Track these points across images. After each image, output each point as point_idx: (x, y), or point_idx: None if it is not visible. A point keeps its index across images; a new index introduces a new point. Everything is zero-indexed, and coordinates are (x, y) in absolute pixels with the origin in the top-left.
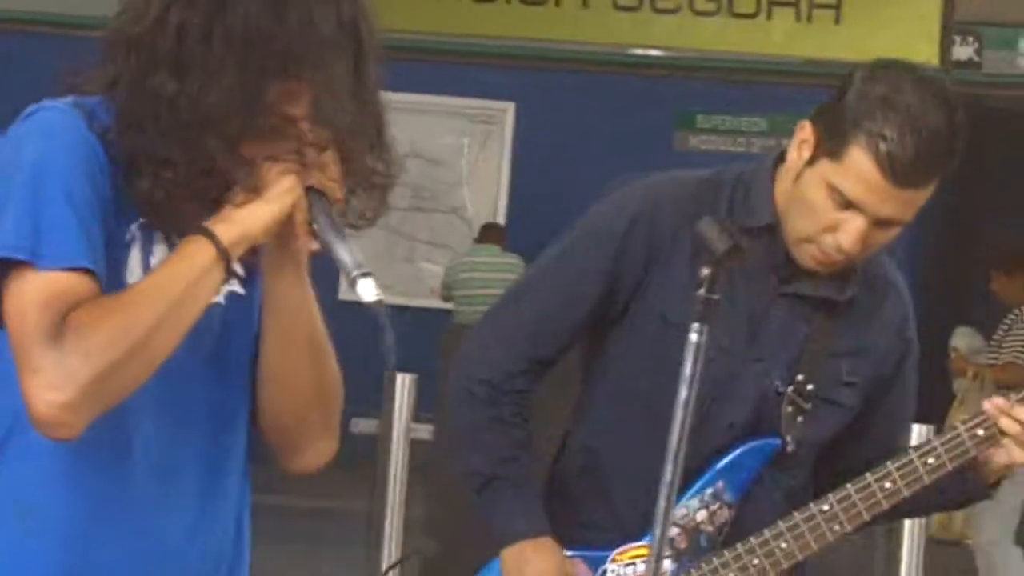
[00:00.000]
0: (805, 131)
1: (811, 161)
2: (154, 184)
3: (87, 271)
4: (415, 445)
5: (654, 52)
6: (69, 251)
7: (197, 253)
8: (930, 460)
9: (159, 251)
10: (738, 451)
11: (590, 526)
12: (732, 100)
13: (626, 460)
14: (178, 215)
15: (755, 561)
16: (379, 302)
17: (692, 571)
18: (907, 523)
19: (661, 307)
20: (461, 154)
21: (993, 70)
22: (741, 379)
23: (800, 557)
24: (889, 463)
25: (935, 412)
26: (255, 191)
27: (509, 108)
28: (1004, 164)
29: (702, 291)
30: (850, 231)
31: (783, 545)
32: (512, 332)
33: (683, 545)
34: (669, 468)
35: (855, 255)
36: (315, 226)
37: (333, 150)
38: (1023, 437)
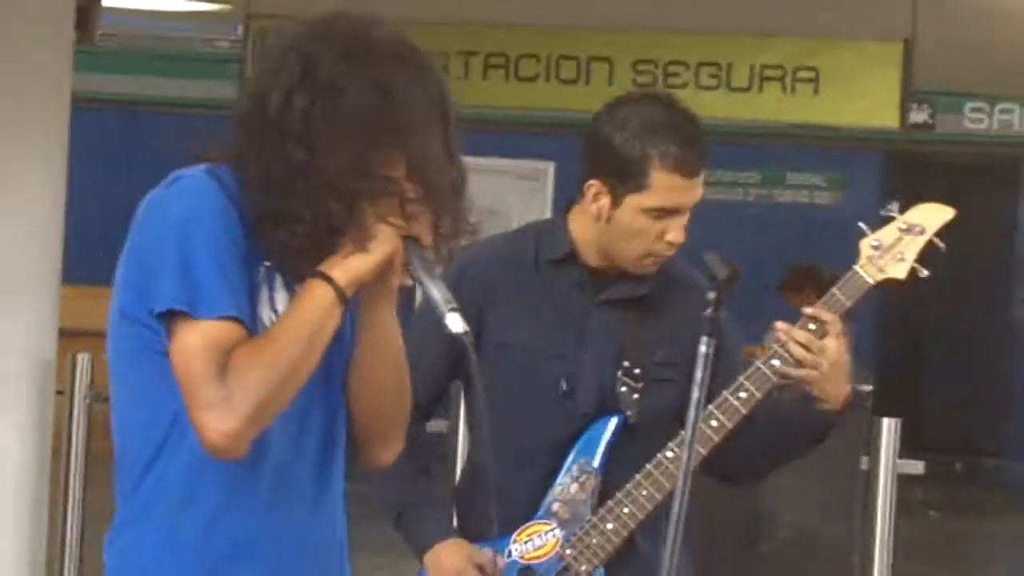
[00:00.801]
0: (595, 187)
1: (615, 204)
2: (291, 236)
3: (236, 319)
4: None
5: None
6: (220, 303)
7: (321, 296)
8: (741, 394)
9: (279, 291)
10: (589, 430)
11: (491, 522)
12: (730, 158)
13: (505, 463)
14: (302, 263)
15: (625, 510)
16: (466, 333)
17: (577, 531)
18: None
19: (497, 337)
20: (511, 206)
21: (944, 131)
22: (581, 377)
23: (659, 498)
24: (711, 406)
25: None
26: (362, 243)
27: (549, 167)
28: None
29: (708, 311)
30: (677, 228)
31: (643, 492)
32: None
33: (566, 516)
34: (685, 456)
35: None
36: (410, 267)
37: (425, 205)
38: (809, 355)
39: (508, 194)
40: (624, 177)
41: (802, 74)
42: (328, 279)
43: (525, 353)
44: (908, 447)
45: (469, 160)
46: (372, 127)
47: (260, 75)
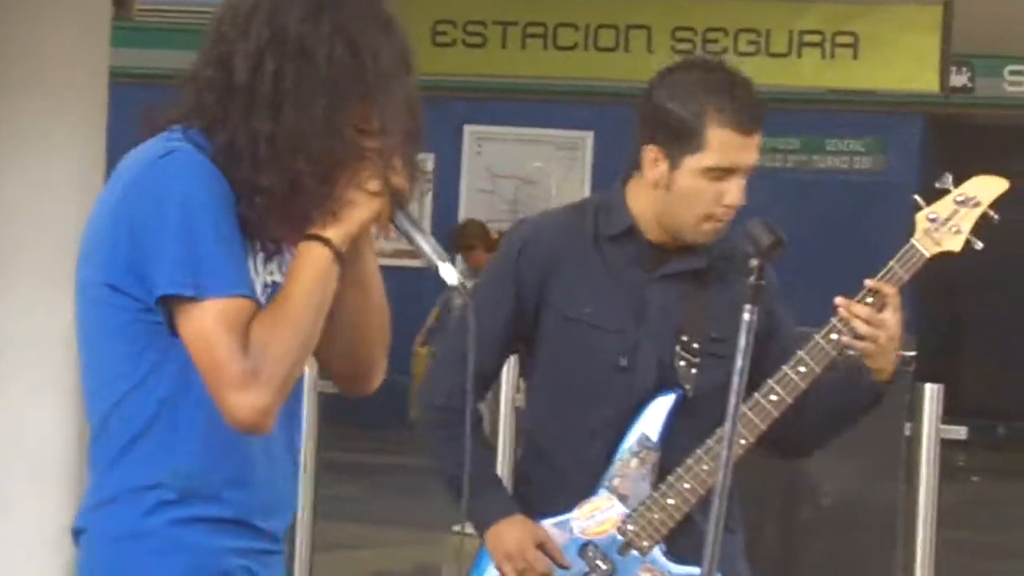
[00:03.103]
0: (652, 152)
1: (673, 167)
2: (248, 207)
3: (246, 296)
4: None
5: None
6: (230, 281)
7: (321, 259)
8: (800, 368)
9: (259, 258)
10: (647, 405)
11: (552, 499)
12: (770, 124)
13: (564, 436)
14: (266, 230)
15: (685, 485)
16: (462, 284)
17: (637, 506)
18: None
19: (561, 309)
20: (549, 175)
21: (983, 94)
22: (640, 352)
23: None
24: (770, 380)
25: None
26: (345, 202)
27: (588, 136)
28: (992, 173)
29: (752, 279)
30: (735, 190)
31: (704, 467)
32: (455, 359)
33: (626, 491)
34: (728, 426)
35: (740, 206)
36: (395, 222)
37: (398, 156)
38: (869, 329)
39: (546, 163)
40: (680, 139)
41: (841, 39)
42: (324, 240)
43: (586, 328)
44: (950, 412)
45: (508, 130)
46: (342, 85)
47: (221, 40)
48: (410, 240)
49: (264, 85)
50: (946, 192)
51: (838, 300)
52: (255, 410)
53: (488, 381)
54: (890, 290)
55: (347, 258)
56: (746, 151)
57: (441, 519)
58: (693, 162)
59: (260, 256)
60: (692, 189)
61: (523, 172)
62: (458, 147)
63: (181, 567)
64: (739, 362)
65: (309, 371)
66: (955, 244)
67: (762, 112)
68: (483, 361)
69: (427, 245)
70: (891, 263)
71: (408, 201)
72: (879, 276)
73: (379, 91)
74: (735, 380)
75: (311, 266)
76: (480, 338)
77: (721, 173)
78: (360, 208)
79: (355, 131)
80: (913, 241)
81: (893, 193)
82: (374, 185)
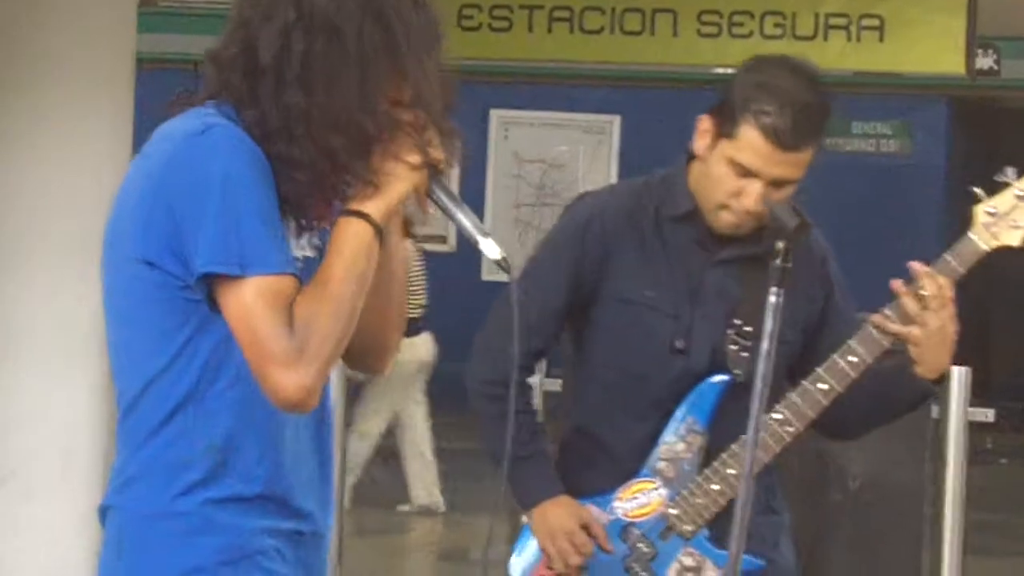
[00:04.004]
0: (704, 123)
1: (712, 145)
2: (285, 183)
3: (289, 273)
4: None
5: (731, 70)
6: (273, 259)
7: (363, 234)
8: (851, 358)
9: (291, 233)
10: (699, 388)
11: (594, 478)
12: None
13: (611, 416)
14: (302, 205)
15: (730, 471)
16: (504, 259)
17: (683, 491)
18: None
19: (617, 291)
20: (577, 159)
21: (1009, 76)
22: (695, 335)
23: (766, 459)
24: (819, 369)
25: None
26: (381, 177)
27: (615, 120)
28: (1020, 155)
29: (778, 261)
30: (751, 193)
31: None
32: (503, 333)
33: (671, 474)
34: (755, 406)
35: (760, 214)
36: (433, 197)
37: (434, 132)
38: (918, 310)
39: (574, 147)
40: (723, 119)
41: (867, 21)
42: (364, 215)
43: (644, 310)
44: (978, 395)
45: (536, 114)
46: (374, 59)
47: (246, 21)
48: (449, 215)
49: (292, 64)
50: (1006, 185)
51: (893, 283)
52: (300, 388)
53: (541, 354)
54: (943, 281)
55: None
56: (775, 163)
57: (473, 500)
58: (724, 146)
59: (292, 230)
60: (718, 173)
61: (550, 156)
62: (484, 132)
63: (212, 547)
64: (764, 344)
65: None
66: (1014, 239)
67: (806, 139)
68: (538, 331)
69: (467, 220)
70: (945, 255)
71: (446, 174)
72: (933, 266)
73: (411, 64)
74: (760, 365)
75: (352, 242)
76: (539, 307)
77: (743, 171)
78: (399, 181)
79: (389, 104)
80: (970, 234)
81: (919, 176)
82: (413, 157)
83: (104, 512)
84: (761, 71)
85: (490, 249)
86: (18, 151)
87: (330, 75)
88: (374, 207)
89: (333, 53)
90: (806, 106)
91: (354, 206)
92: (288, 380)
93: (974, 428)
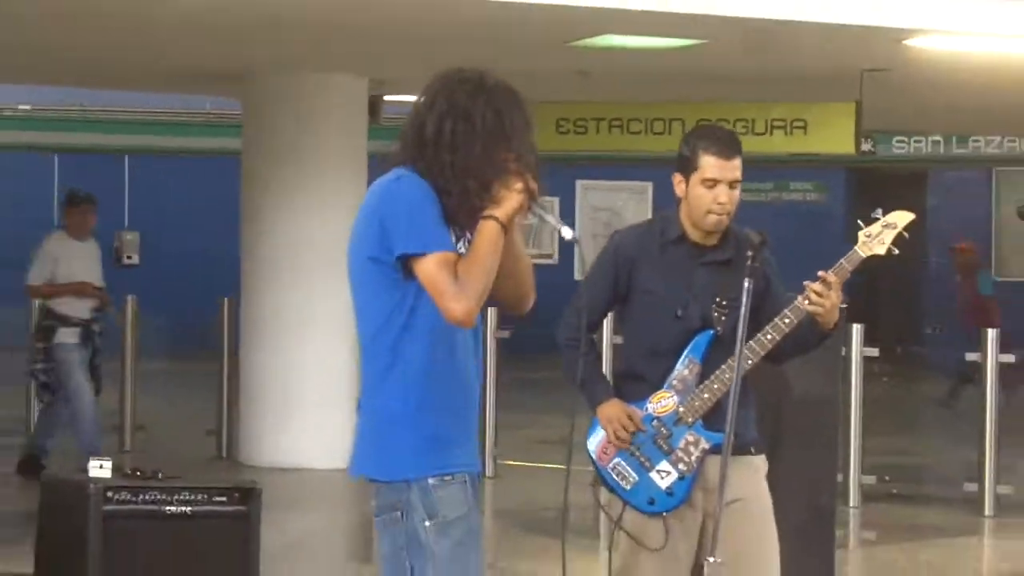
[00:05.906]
0: (676, 177)
1: (686, 184)
2: (447, 207)
3: (453, 251)
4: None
5: None
6: (443, 241)
7: (492, 227)
8: (786, 319)
9: (453, 238)
10: (695, 339)
11: (636, 392)
12: (754, 175)
13: (644, 357)
14: (463, 220)
15: (715, 386)
16: (575, 237)
17: (688, 398)
18: None
19: (641, 287)
20: (628, 208)
21: (881, 155)
22: (690, 308)
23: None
24: (767, 325)
25: None
26: (497, 200)
27: (649, 186)
28: (888, 204)
29: (749, 262)
30: (720, 194)
31: (727, 375)
32: (579, 306)
33: (680, 388)
34: (738, 348)
35: (730, 208)
36: (532, 208)
37: (531, 174)
38: (819, 298)
39: (625, 203)
40: (688, 166)
41: (797, 123)
42: (494, 218)
43: (658, 296)
44: (868, 340)
45: (602, 182)
46: (493, 136)
47: (418, 112)
48: (541, 218)
49: (445, 137)
50: (876, 219)
51: (807, 284)
52: (465, 311)
53: (595, 325)
54: (834, 279)
55: (507, 235)
56: (727, 170)
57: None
58: (695, 177)
59: (453, 235)
60: (698, 193)
61: (612, 207)
62: (572, 194)
63: (429, 442)
64: (742, 312)
65: (490, 320)
66: (881, 250)
67: (736, 150)
68: (592, 311)
69: (552, 218)
70: (841, 261)
71: (538, 197)
72: (832, 268)
73: (514, 138)
74: (740, 327)
75: (487, 232)
76: (592, 302)
77: (712, 183)
78: (511, 199)
79: (503, 160)
80: (855, 247)
81: (829, 215)
82: (518, 186)
83: (359, 407)
84: (694, 133)
85: (567, 232)
86: (300, 200)
87: (465, 143)
88: (499, 212)
89: (468, 131)
90: (728, 134)
91: (487, 213)
92: (457, 307)
93: (867, 361)
